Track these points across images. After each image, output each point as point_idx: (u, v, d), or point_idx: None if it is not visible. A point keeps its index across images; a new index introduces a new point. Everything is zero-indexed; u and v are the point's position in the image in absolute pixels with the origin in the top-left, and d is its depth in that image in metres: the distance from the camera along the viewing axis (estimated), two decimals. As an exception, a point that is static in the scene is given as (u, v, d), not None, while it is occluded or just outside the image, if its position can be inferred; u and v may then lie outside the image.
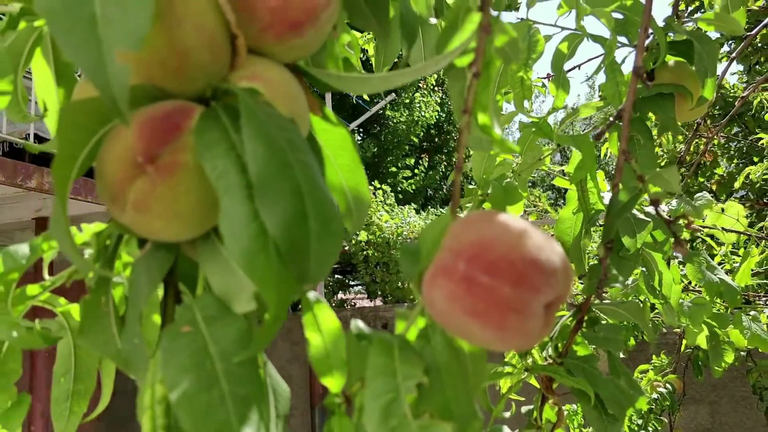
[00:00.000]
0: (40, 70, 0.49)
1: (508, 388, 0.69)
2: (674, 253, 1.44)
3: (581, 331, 0.68)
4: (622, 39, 0.85)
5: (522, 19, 0.84)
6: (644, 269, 1.22)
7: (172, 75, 0.37)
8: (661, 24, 0.92)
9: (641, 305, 0.72)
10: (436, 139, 14.20)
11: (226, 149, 0.35)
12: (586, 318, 0.69)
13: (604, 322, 0.69)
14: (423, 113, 12.56)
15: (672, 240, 1.05)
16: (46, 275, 0.53)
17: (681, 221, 0.58)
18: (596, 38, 0.85)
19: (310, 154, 0.37)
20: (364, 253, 7.97)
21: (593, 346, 0.78)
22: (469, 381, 0.39)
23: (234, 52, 0.40)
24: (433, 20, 0.60)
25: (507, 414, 0.75)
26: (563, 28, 0.85)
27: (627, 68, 0.92)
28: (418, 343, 0.39)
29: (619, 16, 0.84)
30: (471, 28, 0.43)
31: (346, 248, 9.02)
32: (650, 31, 0.86)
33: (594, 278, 0.63)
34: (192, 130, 0.36)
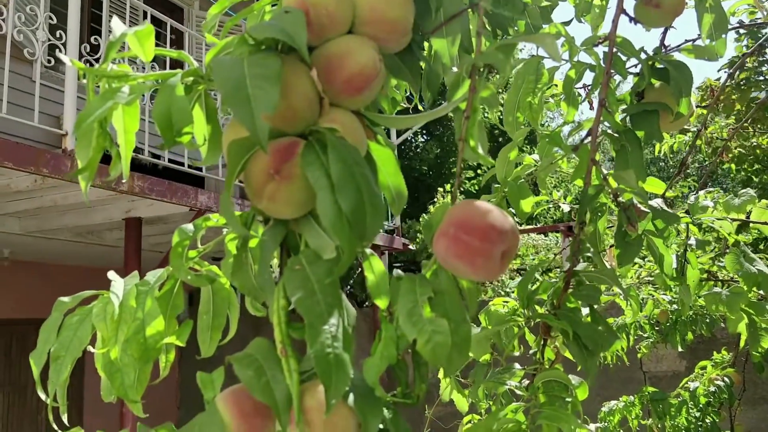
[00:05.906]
0: (197, 114, 0.78)
1: (515, 333, 0.94)
2: (689, 242, 1.64)
3: (570, 290, 0.93)
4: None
5: (533, 55, 1.08)
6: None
7: (287, 123, 0.65)
8: (652, 53, 1.14)
9: (616, 271, 0.96)
10: (500, 139, 14.28)
11: (320, 166, 0.62)
12: (574, 281, 0.93)
13: (587, 283, 0.93)
14: (486, 113, 12.67)
15: (672, 228, 1.27)
16: (199, 245, 0.83)
17: (632, 208, 0.81)
18: (593, 68, 1.08)
19: (366, 167, 0.64)
20: (428, 251, 8.15)
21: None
22: (462, 302, 0.65)
23: (321, 106, 0.67)
24: (454, 69, 0.86)
25: (516, 354, 1.00)
26: (567, 61, 1.09)
27: (623, 88, 1.15)
28: (432, 277, 0.65)
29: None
30: (468, 85, 0.69)
31: (411, 247, 9.29)
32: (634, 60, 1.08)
33: (572, 250, 0.87)
34: (300, 154, 0.63)
